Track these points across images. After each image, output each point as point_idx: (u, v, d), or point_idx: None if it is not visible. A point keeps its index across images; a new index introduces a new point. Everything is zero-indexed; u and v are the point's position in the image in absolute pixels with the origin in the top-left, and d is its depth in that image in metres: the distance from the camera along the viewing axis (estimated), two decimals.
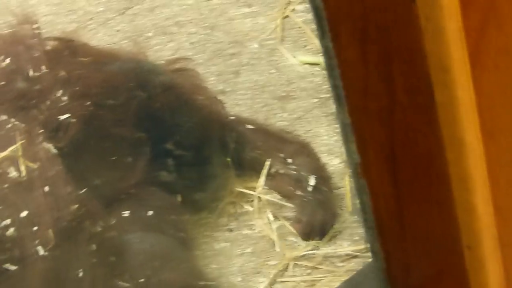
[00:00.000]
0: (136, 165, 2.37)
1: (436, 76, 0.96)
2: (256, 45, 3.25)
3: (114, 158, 2.33)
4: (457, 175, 1.03)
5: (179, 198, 2.46)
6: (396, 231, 1.20)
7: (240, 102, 2.99)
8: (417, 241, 1.18)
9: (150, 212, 2.25)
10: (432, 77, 0.96)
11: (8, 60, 2.19)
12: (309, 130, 2.84)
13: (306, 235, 2.47)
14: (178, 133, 2.52)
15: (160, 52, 3.24)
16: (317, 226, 2.48)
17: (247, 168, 2.75)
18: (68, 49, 2.41)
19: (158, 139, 2.48)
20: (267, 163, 2.66)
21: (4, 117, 2.07)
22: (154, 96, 2.46)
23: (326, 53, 1.08)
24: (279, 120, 2.91)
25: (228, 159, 2.70)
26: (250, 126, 2.78)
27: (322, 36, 1.07)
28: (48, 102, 2.17)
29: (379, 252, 1.26)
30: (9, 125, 2.04)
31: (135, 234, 2.17)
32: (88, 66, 2.39)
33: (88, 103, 2.25)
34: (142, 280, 2.02)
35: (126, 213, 2.19)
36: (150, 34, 3.34)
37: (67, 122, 2.17)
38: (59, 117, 2.16)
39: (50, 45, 2.40)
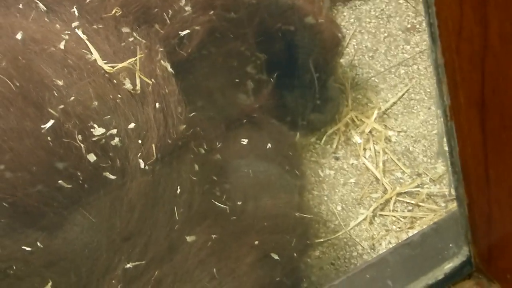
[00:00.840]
0: (256, 89, 2.37)
1: None
2: None
3: (235, 79, 2.33)
4: None
5: (297, 136, 2.45)
6: (480, 179, 1.16)
7: (363, 31, 2.94)
8: (500, 192, 1.14)
9: (269, 145, 2.23)
10: None
11: None
12: (430, 66, 2.77)
13: None
14: (298, 55, 2.50)
15: None
16: None
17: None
18: None
19: (278, 60, 2.47)
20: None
21: (127, 29, 2.06)
22: (276, 15, 2.44)
23: None
24: (401, 52, 2.85)
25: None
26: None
27: None
28: (170, 13, 2.18)
29: (463, 198, 1.23)
30: (131, 39, 2.04)
31: (242, 159, 2.18)
32: None
33: (209, 15, 2.23)
34: (239, 203, 2.03)
35: (244, 141, 2.19)
36: None
37: (188, 36, 2.18)
38: (180, 32, 2.16)
39: None
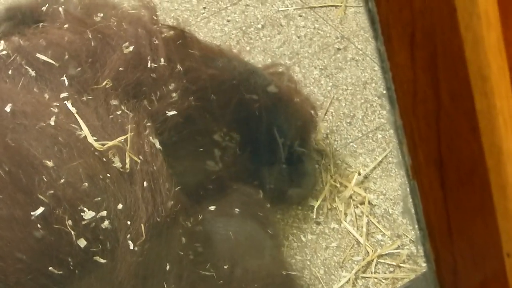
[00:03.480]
0: (227, 163, 2.42)
1: (476, 84, 0.97)
2: (362, 42, 3.26)
3: (209, 156, 2.39)
4: (497, 183, 1.04)
5: (260, 194, 2.49)
6: (444, 234, 1.21)
7: (340, 97, 3.02)
8: (463, 245, 1.19)
9: (237, 210, 2.28)
10: (472, 85, 0.98)
11: (131, 48, 2.21)
12: None
13: None
14: (274, 133, 2.55)
15: (268, 44, 3.31)
16: None
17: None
18: (181, 40, 2.43)
19: (255, 137, 2.52)
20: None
21: (116, 102, 2.09)
22: (255, 96, 2.50)
23: (379, 55, 1.11)
24: (378, 117, 2.92)
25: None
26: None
27: (375, 39, 1.10)
28: (158, 94, 2.20)
29: (429, 253, 1.28)
30: (119, 112, 2.08)
31: (222, 225, 2.22)
32: (198, 59, 2.42)
33: (193, 98, 2.29)
34: (226, 267, 2.05)
35: (213, 208, 2.24)
36: (259, 26, 3.40)
37: (172, 117, 2.22)
38: (166, 112, 2.20)
39: (165, 33, 2.41)
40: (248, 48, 3.27)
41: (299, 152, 2.60)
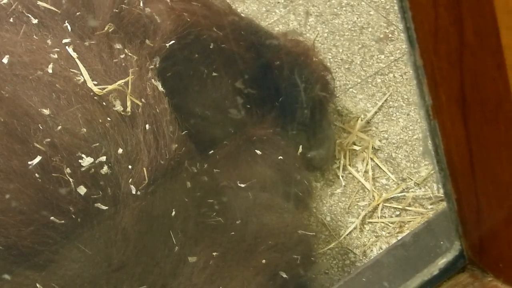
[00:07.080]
0: (249, 110, 2.37)
1: (502, 18, 0.96)
2: None
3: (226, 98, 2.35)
4: None
5: (300, 149, 2.45)
6: (466, 173, 1.20)
7: (337, 44, 2.99)
8: (486, 183, 1.18)
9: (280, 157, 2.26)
10: (498, 20, 0.96)
11: None
12: (405, 73, 2.83)
13: None
14: (290, 95, 2.49)
15: None
16: None
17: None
18: None
19: (268, 95, 2.47)
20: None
21: (119, 46, 2.03)
22: (265, 53, 2.43)
23: None
24: (376, 62, 2.91)
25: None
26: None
27: None
28: (161, 31, 2.13)
29: (451, 193, 1.27)
30: (122, 56, 2.01)
31: (240, 175, 2.18)
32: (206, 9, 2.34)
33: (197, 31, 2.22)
34: (238, 222, 2.00)
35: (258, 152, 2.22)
36: None
37: (175, 50, 2.15)
38: (166, 44, 2.12)
39: None
40: None
41: (317, 116, 2.53)
